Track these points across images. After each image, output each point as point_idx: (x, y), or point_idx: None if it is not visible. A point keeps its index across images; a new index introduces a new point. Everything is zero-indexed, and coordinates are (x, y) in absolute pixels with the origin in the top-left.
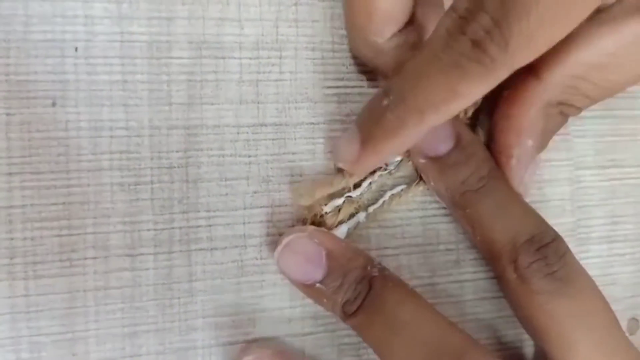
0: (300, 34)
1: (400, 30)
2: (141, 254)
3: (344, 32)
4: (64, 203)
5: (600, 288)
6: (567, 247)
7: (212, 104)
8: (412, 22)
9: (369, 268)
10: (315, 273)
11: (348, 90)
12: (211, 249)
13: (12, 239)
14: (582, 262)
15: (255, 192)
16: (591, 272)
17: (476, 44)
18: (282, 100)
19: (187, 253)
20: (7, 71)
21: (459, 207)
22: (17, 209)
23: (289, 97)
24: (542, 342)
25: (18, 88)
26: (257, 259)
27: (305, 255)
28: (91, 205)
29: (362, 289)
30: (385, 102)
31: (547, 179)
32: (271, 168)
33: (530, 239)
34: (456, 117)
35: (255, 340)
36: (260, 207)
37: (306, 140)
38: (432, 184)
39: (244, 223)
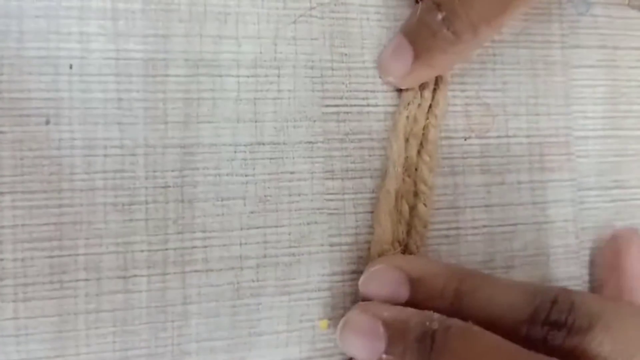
0: (299, 51)
1: None
2: (134, 276)
3: (343, 50)
4: (55, 223)
5: None
6: (568, 295)
7: (209, 122)
8: None
9: (427, 324)
10: (377, 347)
11: (347, 109)
12: (206, 271)
13: (2, 259)
14: (586, 285)
15: (252, 212)
16: None
17: None
18: (280, 118)
19: (181, 275)
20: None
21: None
22: (7, 229)
23: (287, 115)
24: None
25: (11, 105)
26: (253, 281)
27: (363, 332)
28: (83, 226)
29: (424, 346)
30: (439, 16)
31: (551, 200)
32: (268, 187)
33: (532, 315)
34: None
35: None
36: (257, 227)
37: (304, 159)
38: None
39: (240, 244)
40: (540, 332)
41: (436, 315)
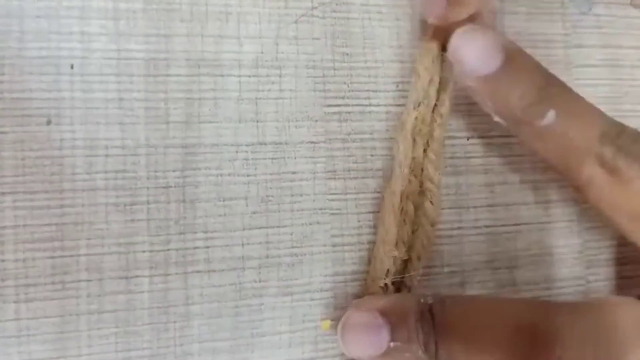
0: (300, 51)
1: None
2: (136, 277)
3: (345, 49)
4: (57, 224)
5: None
6: (637, 130)
7: (211, 122)
8: None
9: (422, 300)
10: (382, 337)
11: (349, 109)
12: (208, 271)
13: (3, 260)
14: (591, 285)
15: (254, 213)
16: (601, 294)
17: None
18: (282, 118)
19: (183, 275)
20: (0, 88)
21: (526, 123)
22: (8, 229)
23: (289, 115)
24: None
25: (12, 106)
26: (255, 282)
27: (364, 327)
28: (85, 226)
29: (427, 323)
30: None
31: (554, 200)
32: (270, 188)
33: (604, 134)
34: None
35: None
36: (260, 227)
37: (306, 160)
38: (489, 105)
39: (242, 244)
40: (612, 149)
41: (427, 293)
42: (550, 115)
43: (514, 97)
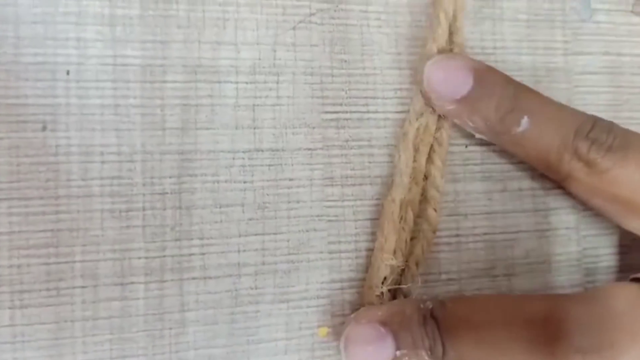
0: (298, 58)
1: None
2: (131, 283)
3: (343, 56)
4: (52, 230)
5: None
6: (609, 121)
7: (207, 128)
8: None
9: (422, 306)
10: (388, 347)
11: (347, 116)
12: (204, 278)
13: None
14: None
15: (250, 219)
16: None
17: None
18: (279, 125)
19: (179, 282)
20: None
21: (503, 133)
22: (3, 235)
23: (286, 122)
24: (631, 219)
25: (7, 112)
26: (252, 289)
27: (368, 339)
28: (80, 233)
29: (431, 327)
30: None
31: (552, 207)
32: (267, 194)
33: (577, 130)
34: None
35: None
36: (256, 234)
37: (303, 166)
38: (469, 124)
39: (238, 251)
40: (586, 144)
41: (424, 297)
42: (525, 122)
43: (489, 111)
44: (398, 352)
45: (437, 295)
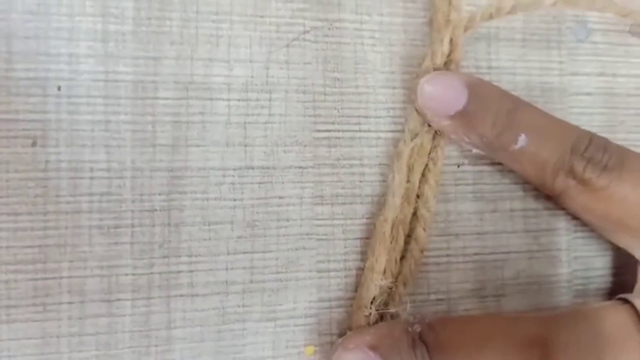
0: (291, 76)
1: None
2: (118, 300)
3: (336, 74)
4: (40, 246)
5: None
6: (604, 138)
7: (198, 145)
8: None
9: (410, 329)
10: None
11: (339, 134)
12: (192, 295)
13: None
14: None
15: (239, 237)
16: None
17: None
18: (270, 143)
19: (166, 299)
20: None
21: (500, 149)
22: None
23: (277, 140)
24: (622, 236)
25: None
26: (239, 307)
27: None
28: (68, 249)
29: (421, 350)
30: None
31: (544, 228)
32: (257, 212)
33: (573, 148)
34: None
35: None
36: (244, 252)
37: (294, 184)
38: (465, 139)
39: (226, 269)
40: (581, 163)
41: (411, 318)
42: (522, 140)
43: (485, 127)
44: None
45: (424, 315)
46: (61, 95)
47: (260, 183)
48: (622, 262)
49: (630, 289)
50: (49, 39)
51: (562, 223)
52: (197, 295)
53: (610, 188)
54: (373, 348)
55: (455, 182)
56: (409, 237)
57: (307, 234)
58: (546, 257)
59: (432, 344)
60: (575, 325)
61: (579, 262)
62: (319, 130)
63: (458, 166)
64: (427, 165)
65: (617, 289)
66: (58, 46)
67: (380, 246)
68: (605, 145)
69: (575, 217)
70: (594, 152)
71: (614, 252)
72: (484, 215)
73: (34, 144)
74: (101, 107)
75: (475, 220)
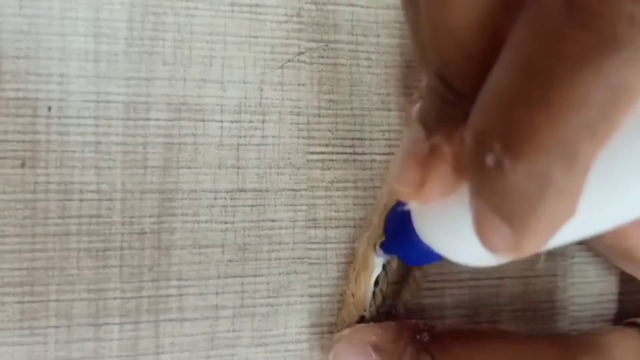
0: (285, 97)
1: None
2: (106, 324)
3: (331, 96)
4: (27, 268)
5: None
6: None
7: (189, 167)
8: None
9: (418, 337)
10: None
11: (333, 157)
12: (181, 320)
13: None
14: None
15: (230, 261)
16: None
17: None
18: (263, 165)
19: (155, 323)
20: None
21: None
22: None
23: (270, 162)
24: (628, 265)
25: None
26: (229, 332)
27: (355, 358)
28: (56, 271)
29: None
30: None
31: (539, 254)
32: (248, 235)
33: None
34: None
35: None
36: (235, 276)
37: (287, 207)
38: None
39: (216, 293)
40: None
41: (422, 324)
42: None
43: None
44: None
45: (434, 323)
46: (51, 115)
47: (252, 206)
48: (620, 288)
49: (630, 315)
50: (39, 59)
51: (558, 248)
52: (186, 319)
53: None
54: (376, 349)
55: None
56: None
57: (299, 258)
58: (542, 283)
59: (439, 359)
60: (590, 353)
61: (576, 288)
62: (312, 153)
63: None
64: None
65: (614, 315)
66: (49, 66)
67: (362, 276)
68: None
69: (571, 242)
70: None
71: (612, 278)
72: None
73: (23, 165)
74: (92, 128)
75: None
